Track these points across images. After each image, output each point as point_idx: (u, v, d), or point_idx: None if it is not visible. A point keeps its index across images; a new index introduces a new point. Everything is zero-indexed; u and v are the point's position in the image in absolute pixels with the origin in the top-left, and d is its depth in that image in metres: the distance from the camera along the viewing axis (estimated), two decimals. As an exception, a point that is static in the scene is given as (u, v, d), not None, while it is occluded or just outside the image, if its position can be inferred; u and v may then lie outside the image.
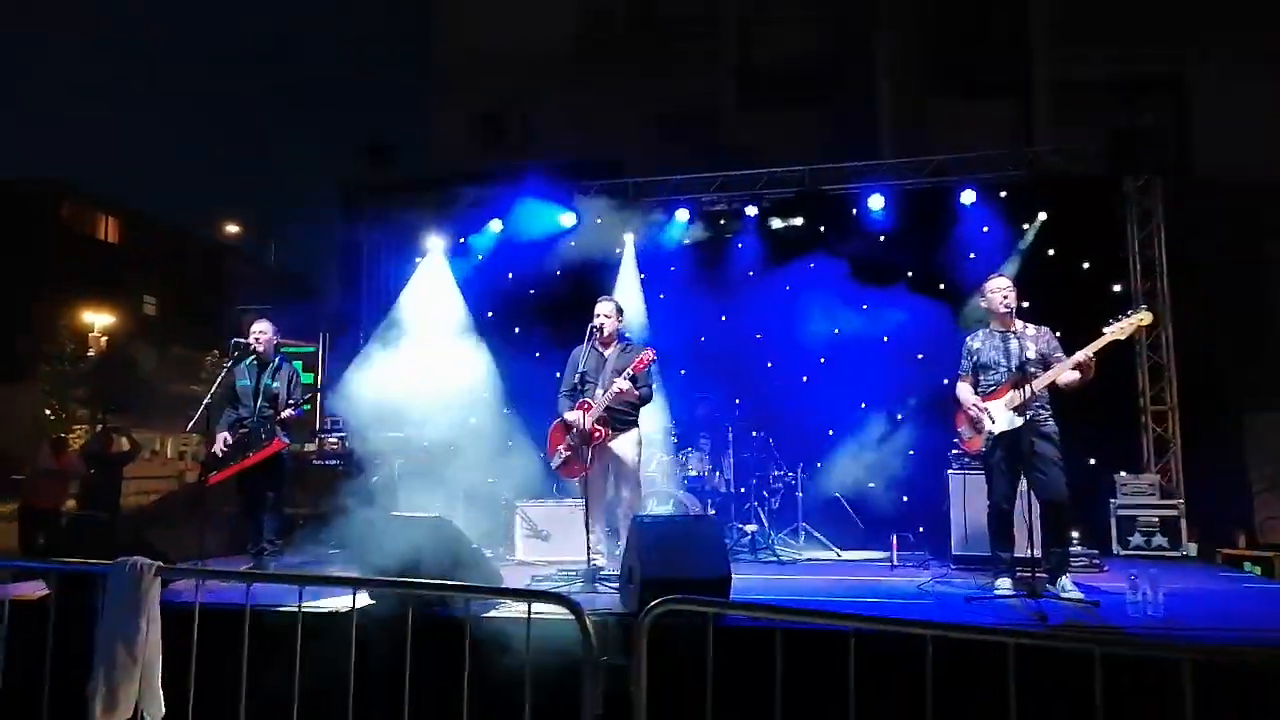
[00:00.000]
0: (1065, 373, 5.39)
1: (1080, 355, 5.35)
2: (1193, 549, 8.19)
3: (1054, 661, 3.06)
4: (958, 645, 3.00)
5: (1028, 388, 5.31)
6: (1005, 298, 5.64)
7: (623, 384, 5.99)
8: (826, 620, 3.04)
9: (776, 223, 10.09)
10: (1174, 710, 2.34)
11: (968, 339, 5.92)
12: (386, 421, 9.24)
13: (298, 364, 9.69)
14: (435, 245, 10.61)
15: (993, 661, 2.59)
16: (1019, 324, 5.66)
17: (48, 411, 21.69)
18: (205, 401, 6.52)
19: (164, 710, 3.23)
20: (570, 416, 6.20)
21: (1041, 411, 5.53)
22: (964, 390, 5.81)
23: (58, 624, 3.49)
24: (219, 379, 6.75)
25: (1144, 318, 5.43)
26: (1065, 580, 5.37)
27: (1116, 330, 5.33)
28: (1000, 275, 5.80)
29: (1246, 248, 11.97)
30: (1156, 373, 9.12)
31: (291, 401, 6.78)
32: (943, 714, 2.69)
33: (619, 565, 5.52)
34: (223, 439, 6.61)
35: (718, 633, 2.99)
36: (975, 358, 5.79)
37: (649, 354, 6.11)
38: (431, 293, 10.60)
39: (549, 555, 7.51)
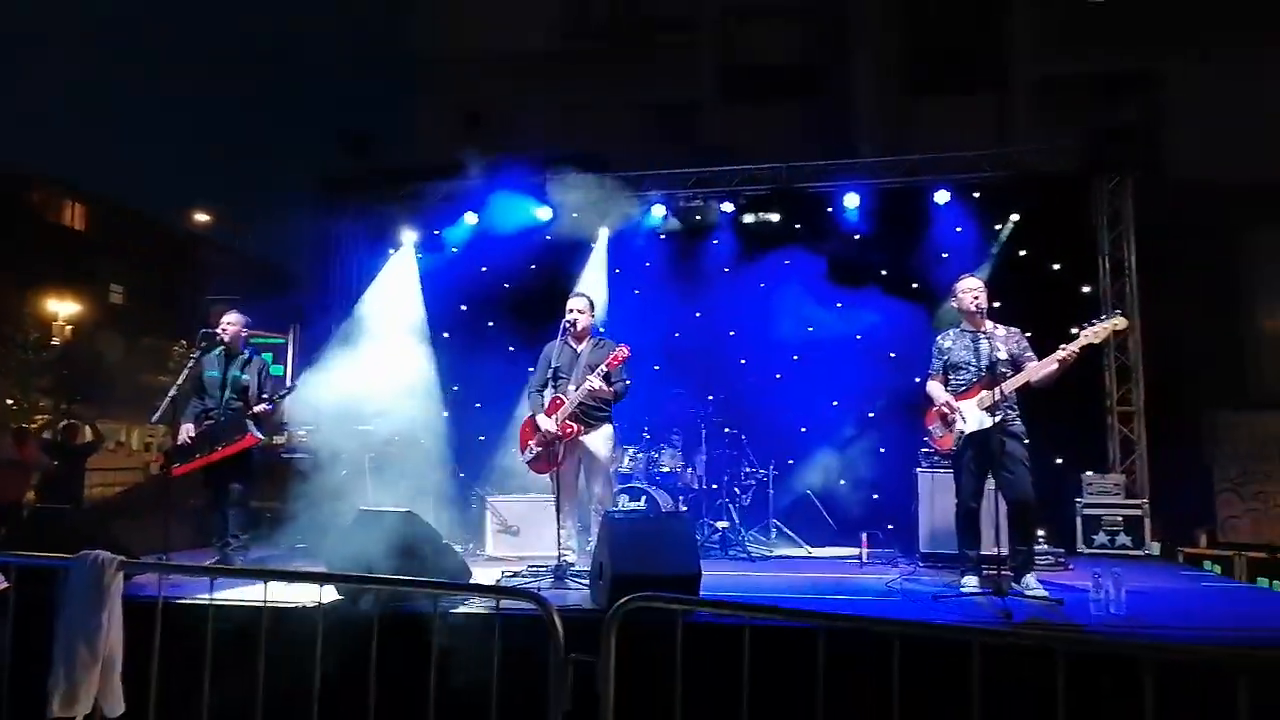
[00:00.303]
0: (1044, 369, 5.42)
1: (1061, 353, 5.38)
2: (1156, 548, 8.31)
3: (1018, 659, 3.09)
4: (923, 643, 3.03)
5: (999, 388, 5.36)
6: (976, 298, 5.68)
7: (595, 382, 5.96)
8: (793, 618, 3.04)
9: (752, 219, 10.10)
10: (1134, 706, 2.37)
11: (938, 338, 5.96)
12: (354, 416, 9.21)
13: (267, 355, 9.60)
14: (408, 238, 10.55)
15: (957, 659, 2.62)
16: (989, 324, 5.70)
17: (9, 401, 21.30)
18: (171, 393, 6.42)
19: (123, 707, 3.18)
20: (541, 423, 6.16)
21: (1010, 412, 5.58)
22: (936, 388, 5.85)
23: (17, 618, 3.43)
24: (186, 369, 6.66)
25: (1119, 322, 5.50)
26: (1030, 578, 5.43)
27: (1091, 334, 5.39)
28: (971, 276, 5.84)
29: (1215, 248, 12.15)
30: (1124, 374, 9.23)
31: (265, 395, 6.69)
32: (908, 710, 2.71)
33: (590, 561, 5.52)
34: (186, 430, 6.52)
35: (687, 629, 2.99)
36: (946, 357, 5.83)
37: (623, 351, 6.09)
38: (400, 286, 10.54)
39: (519, 550, 7.50)
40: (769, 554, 7.96)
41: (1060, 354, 5.38)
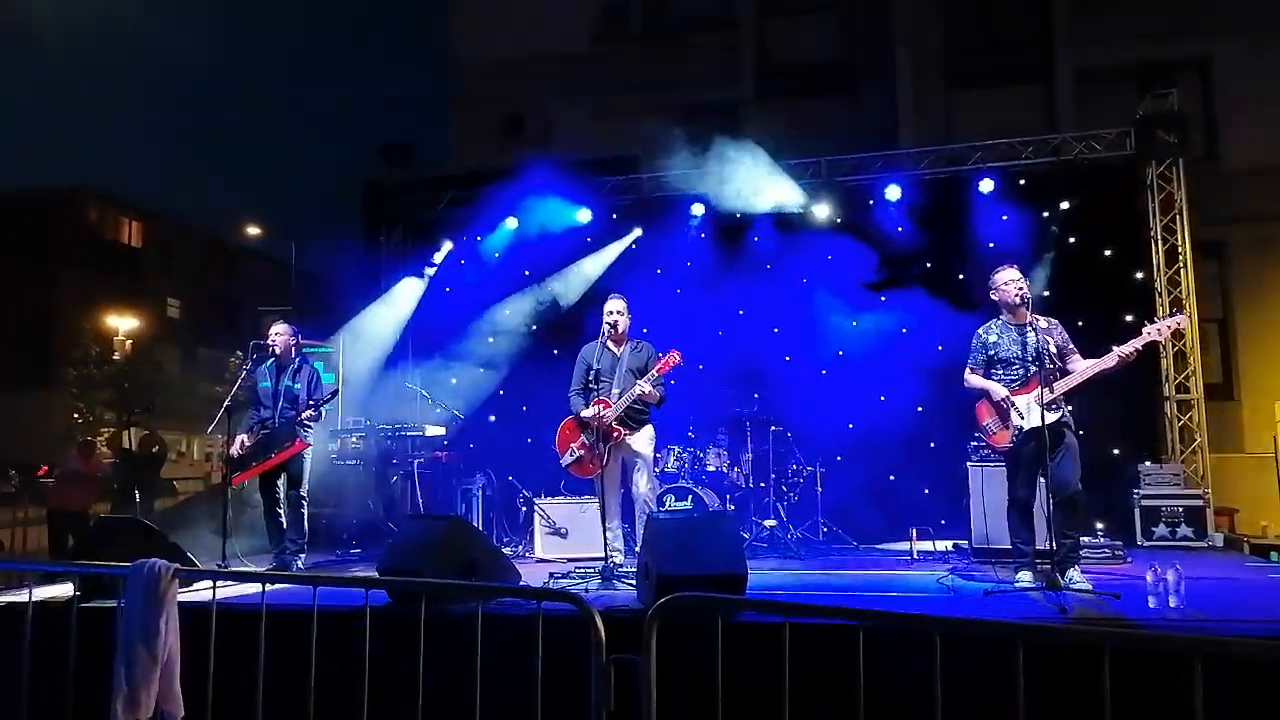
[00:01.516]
0: (1103, 365, 5.33)
1: (1126, 349, 5.27)
2: (1219, 539, 8.09)
3: (1067, 655, 3.03)
4: (968, 641, 2.98)
5: (1060, 384, 5.27)
6: (1020, 289, 5.56)
7: (645, 387, 5.98)
8: (834, 616, 3.02)
9: (793, 215, 10.03)
10: (1188, 704, 2.32)
11: (980, 331, 5.82)
12: (402, 422, 9.37)
13: (319, 365, 9.81)
14: (450, 244, 10.73)
15: (1003, 656, 2.57)
16: (1033, 316, 5.59)
17: (74, 415, 21.99)
18: (225, 404, 6.60)
19: (184, 710, 3.27)
20: (587, 413, 6.19)
21: (1064, 405, 5.47)
22: (987, 382, 5.70)
23: (81, 625, 3.55)
24: (238, 381, 6.84)
25: (1182, 321, 5.39)
26: (1074, 572, 5.32)
27: (1153, 332, 5.30)
28: (1009, 267, 5.70)
29: (1273, 230, 11.81)
30: (1181, 362, 9.00)
31: (312, 401, 6.82)
32: (952, 710, 2.67)
33: (637, 562, 5.53)
34: (240, 440, 6.68)
35: (731, 628, 2.99)
36: (991, 351, 5.70)
37: (675, 357, 6.08)
38: (443, 292, 10.73)
39: (568, 552, 7.54)
40: (817, 552, 7.90)
41: (1123, 349, 5.27)
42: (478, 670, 3.04)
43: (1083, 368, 5.40)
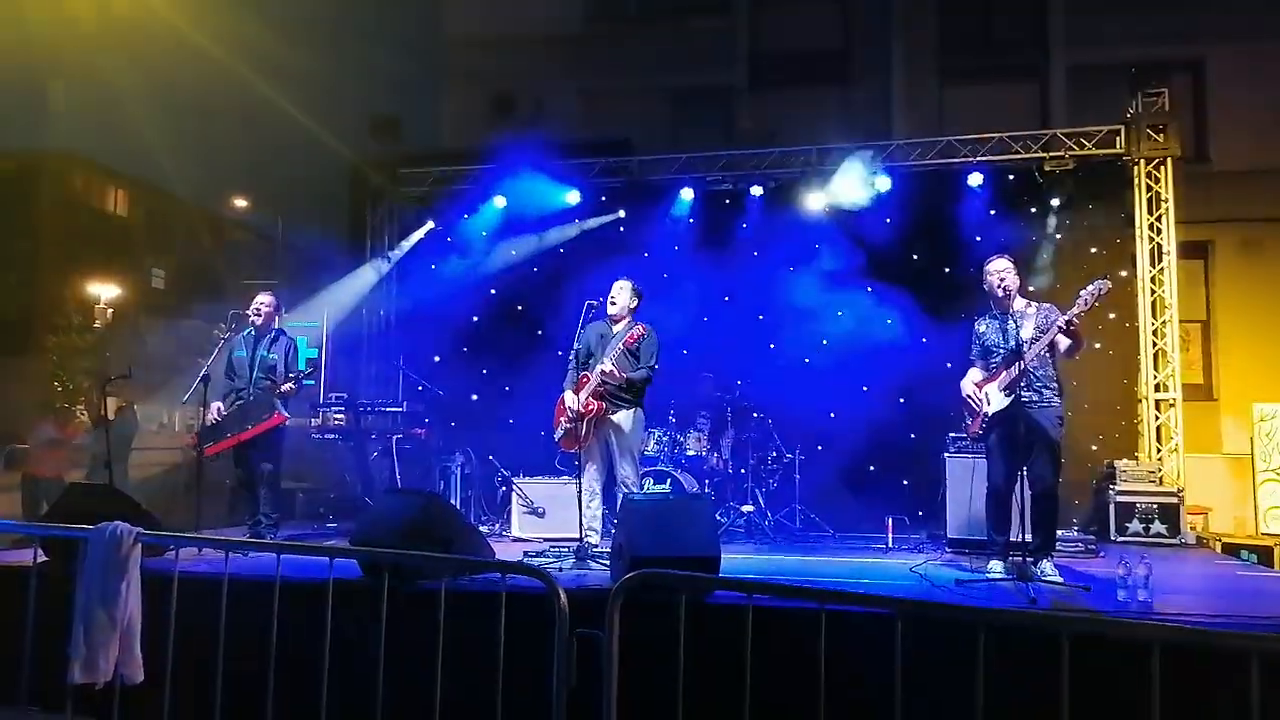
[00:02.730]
0: (1061, 343, 5.33)
1: (1064, 317, 5.26)
2: (1191, 537, 8.15)
3: (1029, 641, 3.04)
4: (932, 625, 2.99)
5: (1017, 365, 5.28)
6: (1003, 279, 5.55)
7: (607, 365, 6.00)
8: (796, 596, 3.02)
9: (783, 203, 10.01)
10: (1143, 692, 2.32)
11: (975, 323, 5.84)
12: (386, 397, 9.33)
13: (301, 339, 9.74)
14: (437, 222, 10.66)
15: (965, 640, 2.57)
16: (1020, 304, 5.59)
17: (55, 384, 21.79)
18: (202, 373, 6.54)
19: (143, 674, 3.25)
20: (567, 399, 6.23)
21: (1045, 390, 5.45)
22: (966, 379, 5.75)
23: (41, 588, 3.51)
24: (216, 350, 6.77)
25: (1104, 285, 5.27)
26: (1047, 564, 5.35)
27: (1086, 296, 5.17)
28: (1000, 257, 5.70)
29: (1258, 233, 11.87)
30: (1160, 361, 9.04)
31: (291, 375, 6.77)
32: (914, 690, 2.68)
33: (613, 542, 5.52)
34: (216, 409, 6.63)
35: (699, 609, 2.99)
36: (982, 341, 5.74)
37: (639, 329, 6.13)
38: (427, 271, 10.68)
39: (545, 532, 7.53)
40: (794, 538, 7.93)
41: (1061, 319, 5.26)
42: (439, 645, 3.03)
43: (1037, 343, 5.39)
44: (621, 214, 10.33)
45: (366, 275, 10.89)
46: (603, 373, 6.04)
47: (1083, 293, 5.23)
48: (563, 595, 2.81)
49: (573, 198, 10.33)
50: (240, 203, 29.14)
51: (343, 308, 10.78)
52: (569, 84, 15.29)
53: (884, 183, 9.54)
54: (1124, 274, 9.28)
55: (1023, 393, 5.29)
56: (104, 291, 23.15)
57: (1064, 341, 5.35)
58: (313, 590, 3.85)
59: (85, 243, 27.60)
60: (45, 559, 3.84)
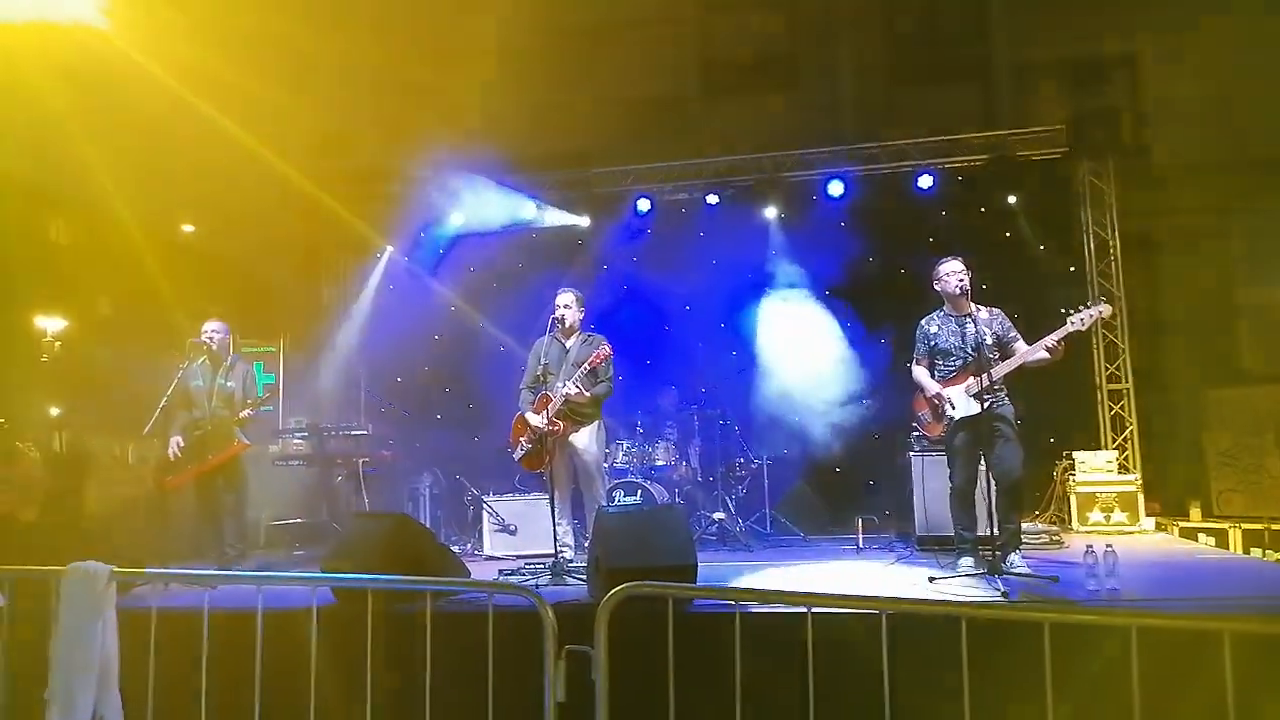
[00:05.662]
0: (1033, 355, 5.46)
1: (1049, 340, 5.40)
2: (1150, 524, 8.36)
3: (1010, 634, 3.10)
4: (913, 622, 3.04)
5: (987, 375, 5.36)
6: (960, 280, 5.66)
7: (572, 389, 5.96)
8: (783, 601, 3.06)
9: (738, 211, 10.10)
10: (1123, 677, 2.39)
11: (923, 322, 5.93)
12: (349, 421, 9.23)
13: (258, 365, 9.60)
14: (393, 241, 10.59)
15: (948, 637, 2.63)
16: (973, 307, 5.70)
17: (0, 419, 21.22)
18: (161, 404, 6.43)
19: (122, 716, 3.18)
20: (530, 420, 6.16)
21: (1000, 393, 5.59)
22: (923, 375, 5.84)
23: (13, 631, 3.42)
24: (174, 381, 6.65)
25: (1105, 310, 5.48)
26: (1015, 557, 5.44)
27: (1078, 321, 5.36)
28: (953, 259, 5.80)
29: (1199, 226, 12.19)
30: (1112, 352, 9.28)
31: (250, 402, 6.67)
32: (900, 689, 2.72)
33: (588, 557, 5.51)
34: (175, 442, 6.50)
35: (683, 618, 3.00)
36: (932, 342, 5.81)
37: (605, 349, 6.08)
38: (386, 291, 10.60)
39: (518, 549, 7.50)
40: (766, 544, 7.98)
41: (1048, 341, 5.40)
42: (428, 666, 3.01)
43: (1014, 357, 5.53)
44: (581, 224, 10.36)
45: (323, 296, 10.79)
46: (567, 397, 6.00)
47: (1078, 315, 5.35)
48: (550, 612, 2.81)
49: (529, 211, 10.33)
50: (187, 226, 28.67)
51: (300, 330, 10.65)
52: (521, 96, 15.25)
53: (836, 188, 9.69)
54: (1072, 269, 9.51)
55: (986, 397, 5.42)
56: (49, 323, 22.63)
57: (1041, 356, 5.47)
58: (290, 619, 3.81)
59: (25, 272, 26.95)
60: (3, 602, 3.74)
